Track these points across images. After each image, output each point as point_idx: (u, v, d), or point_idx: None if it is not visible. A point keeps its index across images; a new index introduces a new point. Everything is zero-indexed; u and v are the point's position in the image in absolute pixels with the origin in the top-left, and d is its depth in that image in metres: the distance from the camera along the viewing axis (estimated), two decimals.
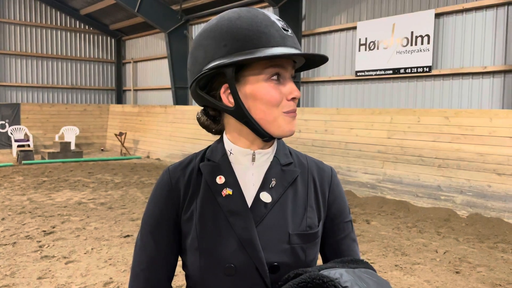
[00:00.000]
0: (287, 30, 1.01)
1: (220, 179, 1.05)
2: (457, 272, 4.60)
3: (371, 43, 9.76)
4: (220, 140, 1.11)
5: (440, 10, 8.58)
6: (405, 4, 9.20)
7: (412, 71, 9.03)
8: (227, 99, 1.02)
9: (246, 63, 0.98)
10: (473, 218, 6.59)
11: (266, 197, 1.03)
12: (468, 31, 8.25)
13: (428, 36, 8.75)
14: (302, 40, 11.13)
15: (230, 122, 1.07)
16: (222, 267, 1.00)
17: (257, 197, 1.04)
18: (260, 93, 0.99)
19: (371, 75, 9.80)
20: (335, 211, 1.13)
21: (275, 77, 1.00)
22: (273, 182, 1.05)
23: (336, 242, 1.14)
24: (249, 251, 0.99)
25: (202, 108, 1.13)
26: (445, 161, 7.44)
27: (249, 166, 1.06)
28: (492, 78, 7.98)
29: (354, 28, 10.04)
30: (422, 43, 8.85)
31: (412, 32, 9.00)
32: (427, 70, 8.80)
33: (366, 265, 1.01)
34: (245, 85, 1.00)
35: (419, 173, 7.74)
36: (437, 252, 5.22)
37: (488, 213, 6.65)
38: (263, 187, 1.04)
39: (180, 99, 14.62)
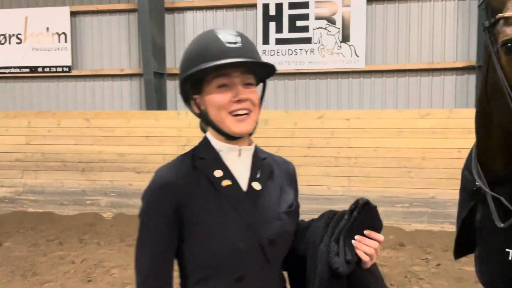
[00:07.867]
0: (234, 43, 1.24)
1: (218, 173, 1.29)
2: (89, 281, 4.45)
3: (2, 37, 8.55)
4: (205, 141, 1.35)
5: (75, 8, 8.32)
6: None
7: (52, 70, 8.44)
8: (196, 107, 1.32)
9: (195, 78, 1.27)
10: (117, 219, 6.63)
11: (256, 185, 1.32)
12: (105, 33, 8.33)
13: (65, 34, 8.33)
14: None
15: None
16: (231, 248, 1.23)
17: (249, 186, 1.31)
18: (210, 99, 1.27)
19: (4, 73, 8.61)
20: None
21: (224, 86, 1.25)
22: (259, 173, 1.34)
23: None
24: (254, 231, 1.26)
25: None
26: (88, 164, 7.27)
27: (236, 160, 1.32)
28: (130, 80, 8.33)
29: None
30: (59, 41, 8.36)
31: (48, 28, 8.37)
32: (67, 70, 8.39)
33: None
34: (205, 95, 1.29)
35: (62, 180, 7.28)
36: (73, 263, 4.92)
37: (131, 211, 6.85)
38: (253, 177, 1.33)
39: None
